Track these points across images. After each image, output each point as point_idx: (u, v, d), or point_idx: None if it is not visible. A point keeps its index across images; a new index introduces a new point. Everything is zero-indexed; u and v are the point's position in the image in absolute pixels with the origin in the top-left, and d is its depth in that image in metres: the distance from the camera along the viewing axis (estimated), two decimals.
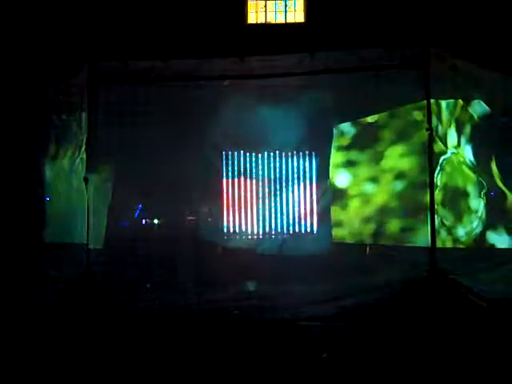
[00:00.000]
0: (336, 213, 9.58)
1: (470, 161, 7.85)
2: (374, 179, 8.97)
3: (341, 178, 9.47)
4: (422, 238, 7.76)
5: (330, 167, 9.57)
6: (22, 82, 8.87)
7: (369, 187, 9.03)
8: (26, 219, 8.05)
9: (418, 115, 7.97)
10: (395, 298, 7.18)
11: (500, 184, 7.71)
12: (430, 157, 7.58)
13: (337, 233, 9.53)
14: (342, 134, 9.59)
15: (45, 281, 7.59)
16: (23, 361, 5.24)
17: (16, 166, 8.22)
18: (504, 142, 7.56)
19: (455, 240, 7.91)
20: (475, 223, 7.83)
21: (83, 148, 8.22)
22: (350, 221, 9.31)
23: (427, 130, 7.53)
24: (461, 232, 7.90)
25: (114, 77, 8.32)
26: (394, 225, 8.64)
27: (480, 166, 7.79)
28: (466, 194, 7.92)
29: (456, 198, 7.96)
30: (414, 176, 8.20)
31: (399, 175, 8.55)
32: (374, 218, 8.93)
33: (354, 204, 9.26)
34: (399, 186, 8.55)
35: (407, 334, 6.05)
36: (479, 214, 7.82)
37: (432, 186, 7.51)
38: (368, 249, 9.42)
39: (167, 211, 10.37)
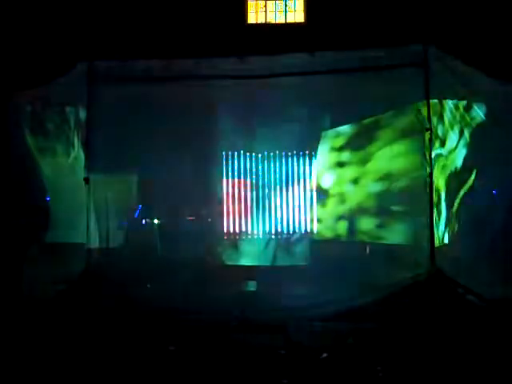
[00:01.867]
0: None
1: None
2: (371, 179, 9.02)
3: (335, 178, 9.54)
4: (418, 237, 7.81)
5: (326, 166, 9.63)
6: (19, 78, 8.87)
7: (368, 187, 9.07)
8: (23, 218, 8.01)
9: (417, 115, 7.95)
10: (394, 297, 7.18)
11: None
12: (430, 157, 7.58)
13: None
14: (338, 134, 9.65)
15: (45, 280, 7.57)
16: (22, 361, 5.23)
17: (9, 164, 8.18)
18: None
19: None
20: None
21: (77, 146, 8.23)
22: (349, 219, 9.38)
23: (427, 129, 7.53)
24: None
25: (113, 76, 8.32)
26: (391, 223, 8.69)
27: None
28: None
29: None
30: (411, 175, 8.21)
31: (395, 175, 8.56)
32: (374, 216, 8.99)
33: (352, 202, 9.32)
34: (397, 184, 8.56)
35: (406, 333, 6.05)
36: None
37: (431, 185, 7.51)
38: (368, 248, 9.42)
39: (167, 211, 10.36)
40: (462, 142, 7.85)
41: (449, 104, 7.81)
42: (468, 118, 7.69)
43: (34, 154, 8.51)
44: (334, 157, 9.94)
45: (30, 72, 9.08)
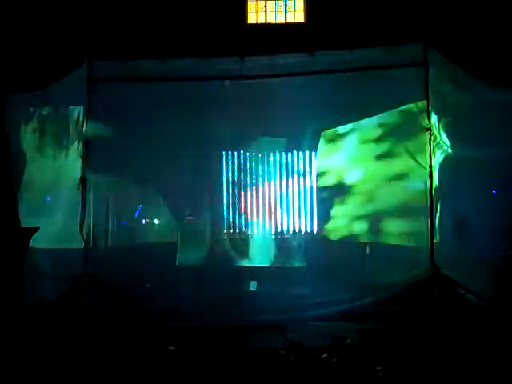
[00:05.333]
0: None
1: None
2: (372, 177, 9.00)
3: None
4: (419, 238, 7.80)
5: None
6: (19, 79, 8.85)
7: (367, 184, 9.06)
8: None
9: (416, 116, 7.92)
10: (394, 298, 7.18)
11: None
12: (430, 157, 7.57)
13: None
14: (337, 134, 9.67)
15: (43, 283, 7.56)
16: (21, 363, 5.23)
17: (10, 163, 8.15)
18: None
19: None
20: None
21: (76, 147, 8.24)
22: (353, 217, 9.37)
23: (426, 130, 7.52)
24: None
25: (113, 76, 8.32)
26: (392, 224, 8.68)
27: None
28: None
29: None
30: (410, 176, 8.19)
31: (396, 176, 8.55)
32: (374, 216, 8.97)
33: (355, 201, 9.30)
34: (397, 186, 8.54)
35: (406, 333, 6.05)
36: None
37: (431, 185, 7.50)
38: (368, 249, 9.42)
39: (167, 211, 10.35)
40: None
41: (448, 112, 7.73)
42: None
43: (33, 155, 8.51)
44: (334, 157, 9.95)
45: (31, 73, 9.08)
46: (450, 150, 7.69)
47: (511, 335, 5.76)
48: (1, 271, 6.37)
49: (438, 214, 7.60)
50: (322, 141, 10.25)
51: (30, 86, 8.32)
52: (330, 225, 10.03)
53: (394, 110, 8.60)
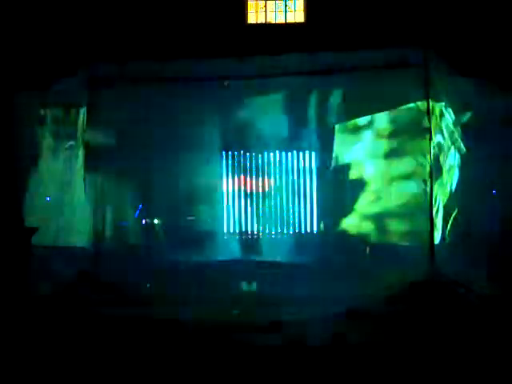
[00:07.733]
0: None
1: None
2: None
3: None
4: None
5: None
6: (21, 79, 8.87)
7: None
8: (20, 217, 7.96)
9: (416, 116, 7.94)
10: (395, 298, 7.19)
11: None
12: (430, 157, 7.58)
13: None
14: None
15: (43, 281, 7.58)
16: (19, 361, 5.23)
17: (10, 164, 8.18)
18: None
19: None
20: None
21: (75, 147, 8.26)
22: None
23: (426, 130, 7.54)
24: None
25: (114, 77, 8.34)
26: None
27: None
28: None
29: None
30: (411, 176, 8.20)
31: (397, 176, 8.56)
32: (376, 216, 9.00)
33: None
34: (398, 186, 8.55)
35: (407, 334, 6.06)
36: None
37: (431, 185, 7.51)
38: (368, 249, 9.43)
39: (167, 211, 10.37)
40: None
41: (448, 112, 7.74)
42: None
43: (35, 153, 8.54)
44: (334, 158, 9.96)
45: (34, 75, 9.08)
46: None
47: (510, 334, 5.78)
48: (4, 268, 6.41)
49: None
50: (322, 141, 10.27)
51: (33, 88, 8.34)
52: (332, 224, 10.04)
53: (395, 111, 8.62)
